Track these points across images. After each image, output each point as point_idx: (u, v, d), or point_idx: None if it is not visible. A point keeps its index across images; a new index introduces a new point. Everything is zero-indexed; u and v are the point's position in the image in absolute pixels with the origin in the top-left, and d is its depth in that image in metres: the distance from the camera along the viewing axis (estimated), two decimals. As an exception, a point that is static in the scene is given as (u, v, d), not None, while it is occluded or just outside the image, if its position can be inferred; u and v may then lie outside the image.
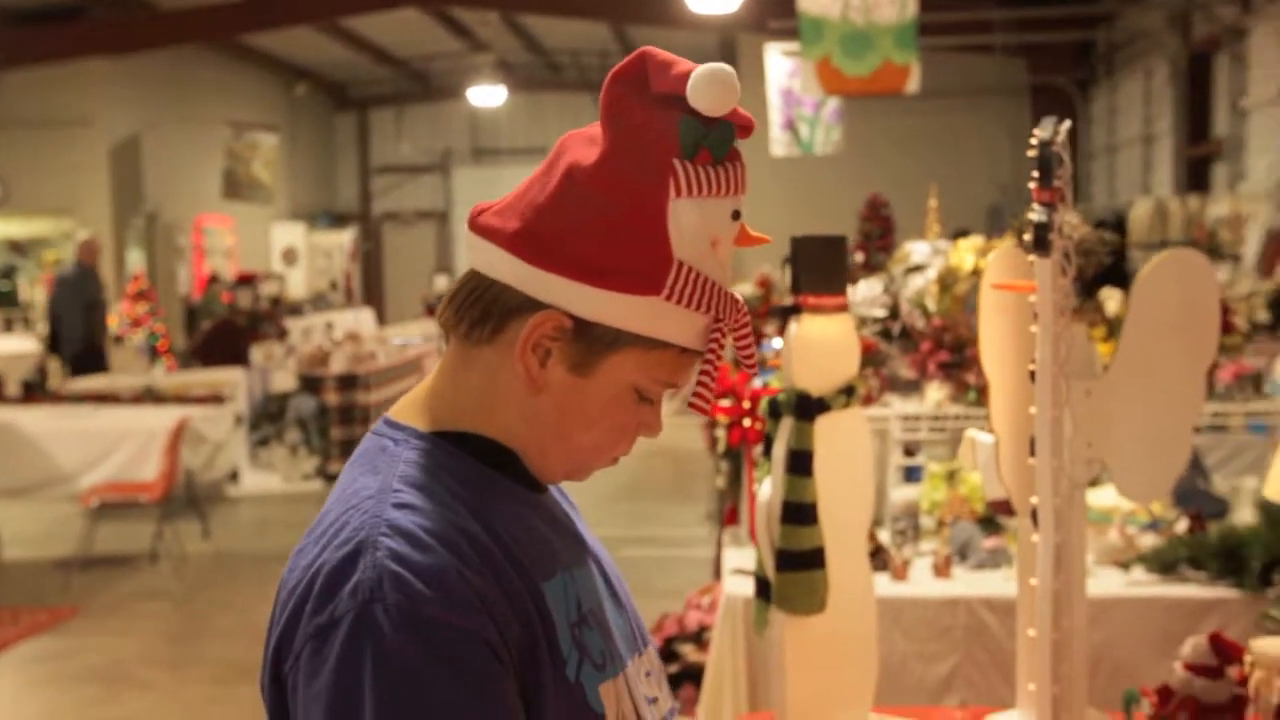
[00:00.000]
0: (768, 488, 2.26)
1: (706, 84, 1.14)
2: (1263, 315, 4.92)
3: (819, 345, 2.24)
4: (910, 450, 4.25)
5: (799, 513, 2.18)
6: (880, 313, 4.64)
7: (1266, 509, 3.47)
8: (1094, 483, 2.68)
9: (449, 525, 1.13)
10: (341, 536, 1.12)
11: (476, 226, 1.21)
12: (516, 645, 1.13)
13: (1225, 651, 2.20)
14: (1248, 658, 1.81)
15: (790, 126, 11.03)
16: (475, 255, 1.21)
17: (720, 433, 4.05)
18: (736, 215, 1.20)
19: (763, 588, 2.28)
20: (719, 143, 1.17)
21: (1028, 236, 1.94)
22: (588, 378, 1.19)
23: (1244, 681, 2.02)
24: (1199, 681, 2.19)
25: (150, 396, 9.34)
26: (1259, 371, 4.29)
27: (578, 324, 1.17)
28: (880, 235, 6.90)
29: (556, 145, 1.22)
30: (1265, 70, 9.04)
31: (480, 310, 1.20)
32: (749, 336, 1.23)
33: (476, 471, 1.21)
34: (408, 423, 1.23)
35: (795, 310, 2.27)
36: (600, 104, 1.19)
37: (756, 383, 3.80)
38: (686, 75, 1.15)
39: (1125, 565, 3.61)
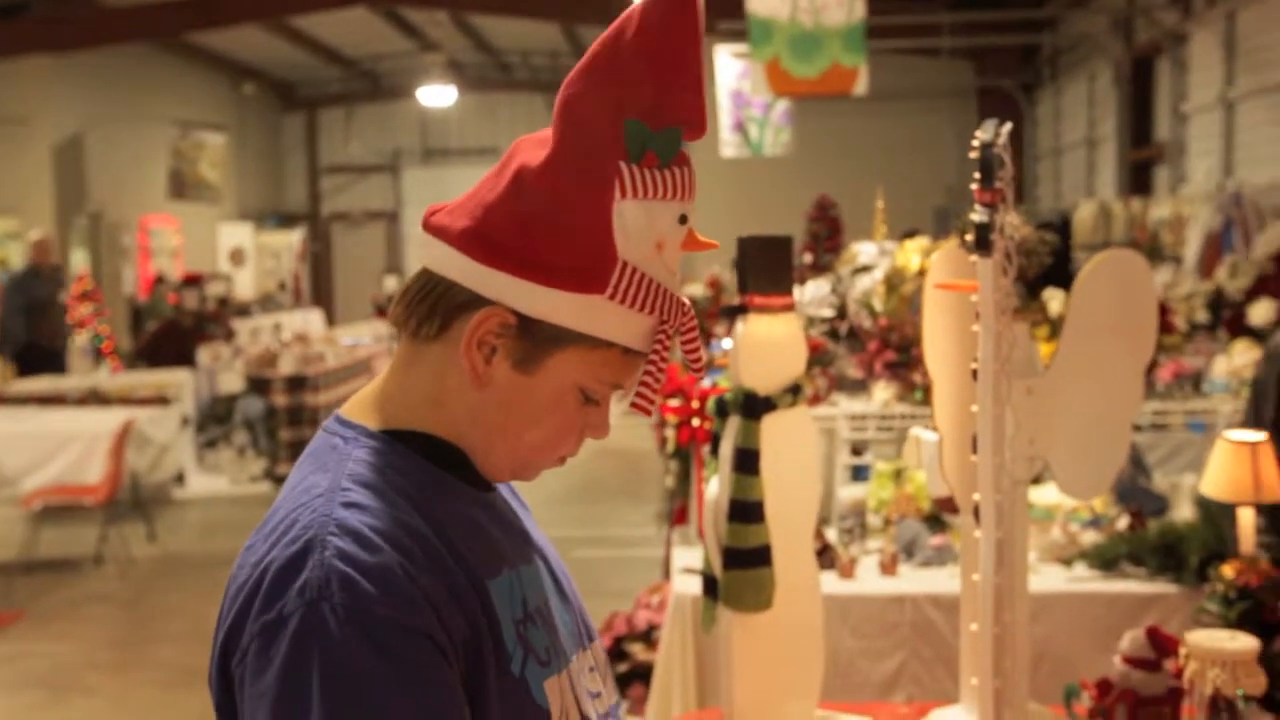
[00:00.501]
0: (715, 486, 2.27)
1: None
2: (1202, 316, 5.00)
3: (765, 345, 2.26)
4: (857, 449, 4.29)
5: (746, 511, 2.20)
6: (828, 313, 4.67)
7: (1204, 505, 3.53)
8: (1037, 480, 2.72)
9: (396, 524, 1.14)
10: (290, 534, 1.13)
11: (429, 225, 1.23)
12: (462, 642, 1.14)
13: (1162, 645, 2.25)
14: (1183, 650, 1.84)
15: (740, 128, 11.08)
16: (427, 253, 1.23)
17: (669, 432, 4.06)
18: (684, 220, 1.21)
19: (710, 585, 2.30)
20: (665, 146, 1.18)
21: (970, 237, 1.96)
22: (532, 375, 1.20)
23: (1180, 674, 2.06)
24: (1137, 674, 2.23)
25: (95, 398, 9.22)
26: (1198, 371, 4.36)
27: (522, 321, 1.18)
28: (828, 236, 6.93)
29: (510, 148, 1.24)
30: (1205, 75, 9.19)
31: (428, 307, 1.21)
32: (696, 339, 1.25)
33: (425, 470, 1.22)
34: (358, 421, 1.25)
35: (742, 310, 2.28)
36: (553, 108, 1.20)
37: (705, 382, 3.82)
38: None
39: (1067, 562, 3.67)
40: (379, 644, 1.08)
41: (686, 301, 1.24)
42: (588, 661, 1.34)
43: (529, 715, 1.19)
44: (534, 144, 1.21)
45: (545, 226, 1.17)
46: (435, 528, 1.17)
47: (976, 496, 2.02)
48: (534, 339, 1.19)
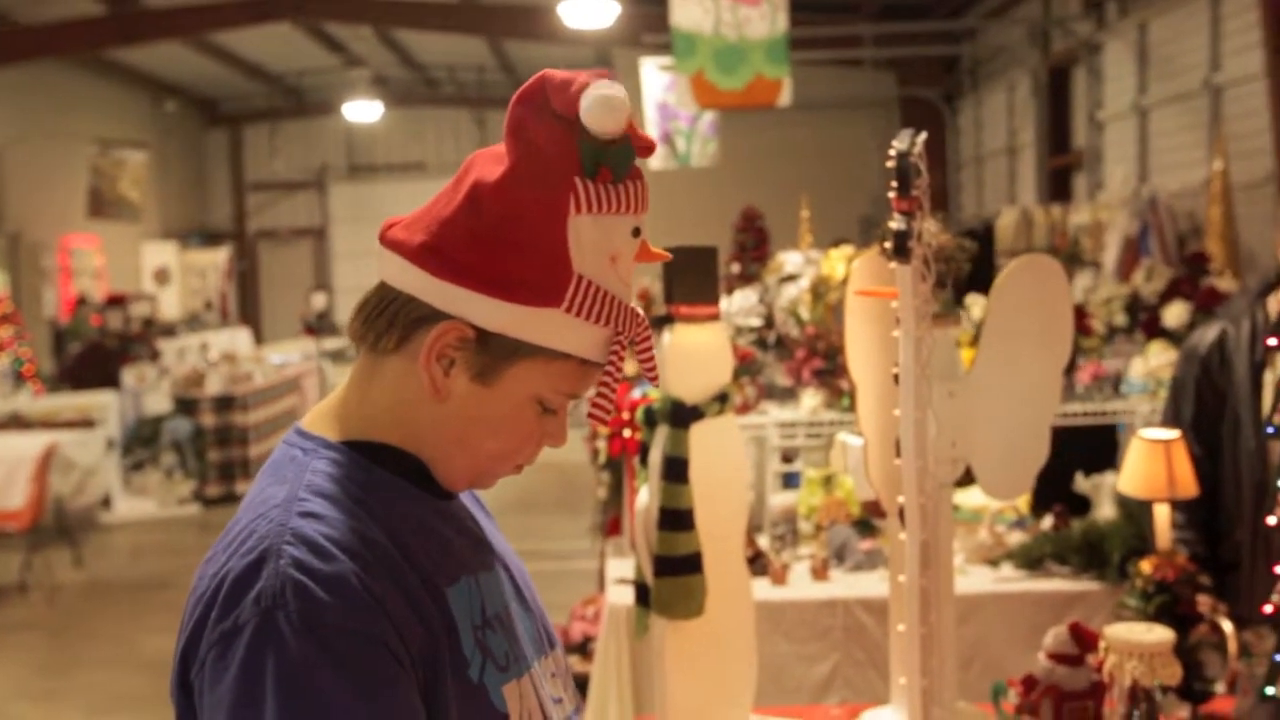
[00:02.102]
0: (645, 495, 2.29)
1: (595, 106, 1.18)
2: (1120, 319, 5.11)
3: (692, 354, 2.28)
4: (788, 457, 4.33)
5: (676, 519, 2.22)
6: (756, 322, 4.71)
7: (1125, 504, 3.62)
8: (966, 483, 2.76)
9: (353, 533, 1.16)
10: (248, 545, 1.15)
11: (385, 240, 1.25)
12: (419, 649, 1.16)
13: (1084, 640, 2.30)
14: (1102, 644, 1.89)
15: (667, 140, 11.13)
16: (384, 267, 1.25)
17: (601, 444, 4.08)
18: (637, 232, 1.24)
19: (642, 593, 2.31)
20: (619, 162, 1.21)
21: (889, 244, 2.00)
22: (491, 387, 1.22)
23: (1102, 668, 2.11)
24: (1060, 670, 2.28)
25: (16, 423, 9.05)
26: (1118, 373, 4.45)
27: (480, 334, 1.21)
28: (755, 246, 6.99)
29: (465, 162, 1.26)
30: (1119, 84, 9.39)
31: (387, 321, 1.23)
32: (650, 349, 1.28)
33: (384, 480, 1.24)
34: (317, 432, 1.27)
35: (668, 320, 2.31)
36: (505, 125, 1.22)
37: (635, 393, 3.84)
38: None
39: (994, 563, 3.73)
40: (334, 652, 1.09)
41: (640, 312, 1.26)
42: (549, 668, 1.36)
43: None
44: (489, 159, 1.23)
45: (502, 242, 1.19)
46: (393, 536, 1.19)
47: (901, 499, 2.05)
48: (492, 352, 1.21)
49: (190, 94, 18.45)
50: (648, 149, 1.23)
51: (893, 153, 1.99)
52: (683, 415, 2.25)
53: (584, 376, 1.25)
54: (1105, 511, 3.93)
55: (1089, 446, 4.14)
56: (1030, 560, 3.66)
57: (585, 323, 1.21)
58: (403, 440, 1.25)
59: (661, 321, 2.33)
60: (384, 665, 1.12)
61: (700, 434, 2.26)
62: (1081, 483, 4.05)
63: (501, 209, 1.19)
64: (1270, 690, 1.80)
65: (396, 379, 1.24)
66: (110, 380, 10.66)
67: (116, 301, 13.71)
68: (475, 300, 1.19)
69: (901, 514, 2.06)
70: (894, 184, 1.99)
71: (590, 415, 1.27)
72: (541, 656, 1.34)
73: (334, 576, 1.12)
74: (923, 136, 2.01)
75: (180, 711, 1.19)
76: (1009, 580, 3.64)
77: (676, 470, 2.23)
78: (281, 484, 1.21)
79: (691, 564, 2.23)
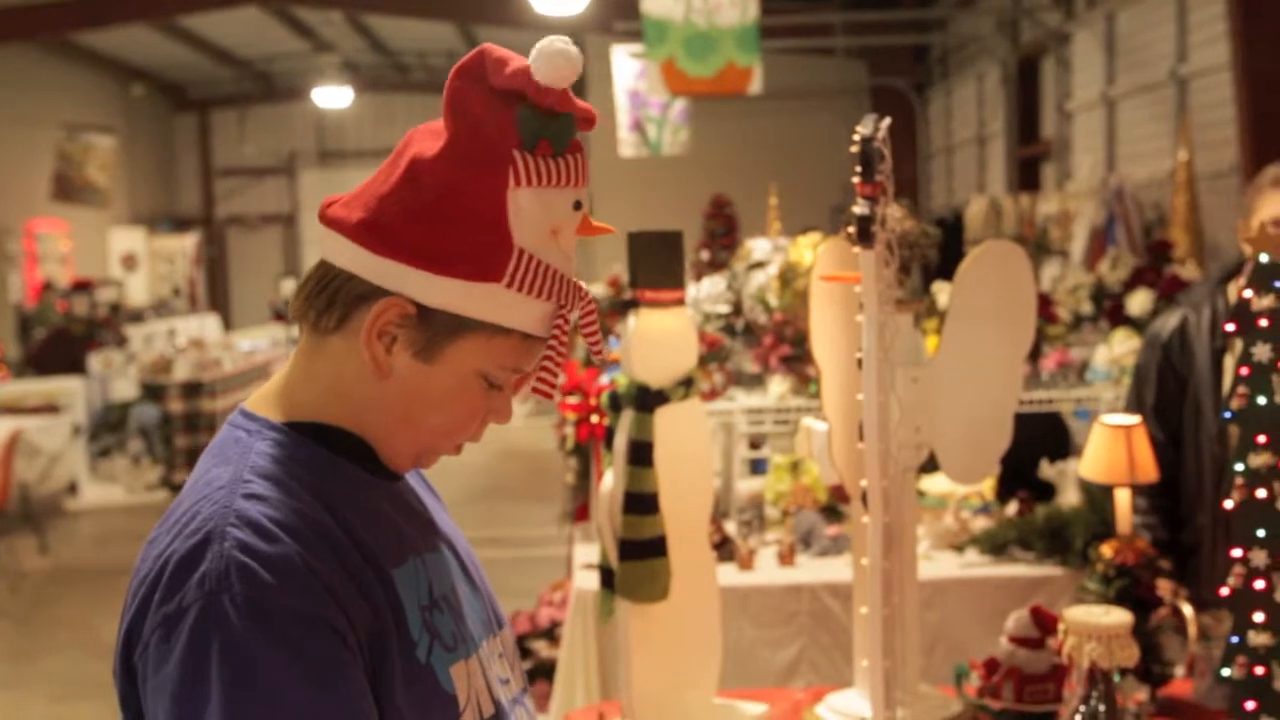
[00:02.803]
0: (610, 479, 2.29)
1: (546, 58, 1.17)
2: (1087, 307, 5.13)
3: (657, 338, 2.28)
4: (755, 443, 4.34)
5: (640, 502, 2.22)
6: (724, 309, 4.72)
7: (1088, 490, 3.65)
8: (931, 469, 2.78)
9: (297, 515, 1.15)
10: (191, 526, 1.13)
11: (325, 217, 1.24)
12: (365, 630, 1.15)
13: (1045, 623, 2.32)
14: (1062, 626, 1.91)
15: (638, 127, 11.11)
16: (324, 246, 1.24)
17: (569, 430, 4.08)
18: (578, 205, 1.23)
19: (607, 577, 2.31)
20: (558, 135, 1.20)
21: (852, 229, 2.00)
22: (433, 364, 1.21)
23: (1062, 651, 2.12)
24: (1022, 653, 2.30)
25: (-20, 408, 8.96)
26: (1083, 360, 4.48)
27: (421, 311, 1.19)
28: (724, 233, 7.02)
29: (403, 139, 1.25)
30: (1087, 74, 9.44)
31: (327, 299, 1.22)
32: (595, 323, 1.27)
33: (328, 461, 1.23)
34: (261, 414, 1.26)
35: (634, 305, 2.31)
36: (443, 98, 1.21)
37: (603, 379, 3.84)
38: (524, 70, 1.18)
39: (959, 548, 3.75)
40: (278, 634, 1.08)
41: (584, 286, 1.26)
42: (497, 648, 1.36)
43: (435, 701, 1.21)
44: (427, 135, 1.22)
45: (441, 217, 1.18)
46: (338, 518, 1.18)
47: (865, 483, 2.06)
48: (434, 328, 1.20)
49: (158, 78, 18.28)
50: (588, 121, 1.23)
51: (857, 137, 1.99)
52: (647, 399, 2.25)
53: (527, 351, 1.24)
54: (1069, 498, 3.96)
55: (1051, 432, 4.18)
56: (994, 546, 3.69)
57: (527, 297, 1.20)
58: (346, 419, 1.25)
59: (627, 306, 2.33)
60: (330, 647, 1.11)
61: (665, 418, 2.26)
62: (1046, 469, 4.08)
63: (440, 183, 1.18)
64: (1227, 671, 1.82)
65: (338, 358, 1.23)
66: (76, 366, 10.58)
67: (83, 287, 13.59)
68: (415, 276, 1.18)
69: (865, 497, 2.07)
70: (858, 169, 2.00)
71: (535, 390, 1.26)
72: (489, 637, 1.34)
73: (278, 558, 1.11)
74: (887, 121, 2.01)
75: (123, 694, 1.18)
76: (973, 565, 3.67)
77: (641, 454, 2.23)
78: (225, 465, 1.20)
79: (656, 547, 2.23)
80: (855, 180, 2.00)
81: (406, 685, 1.18)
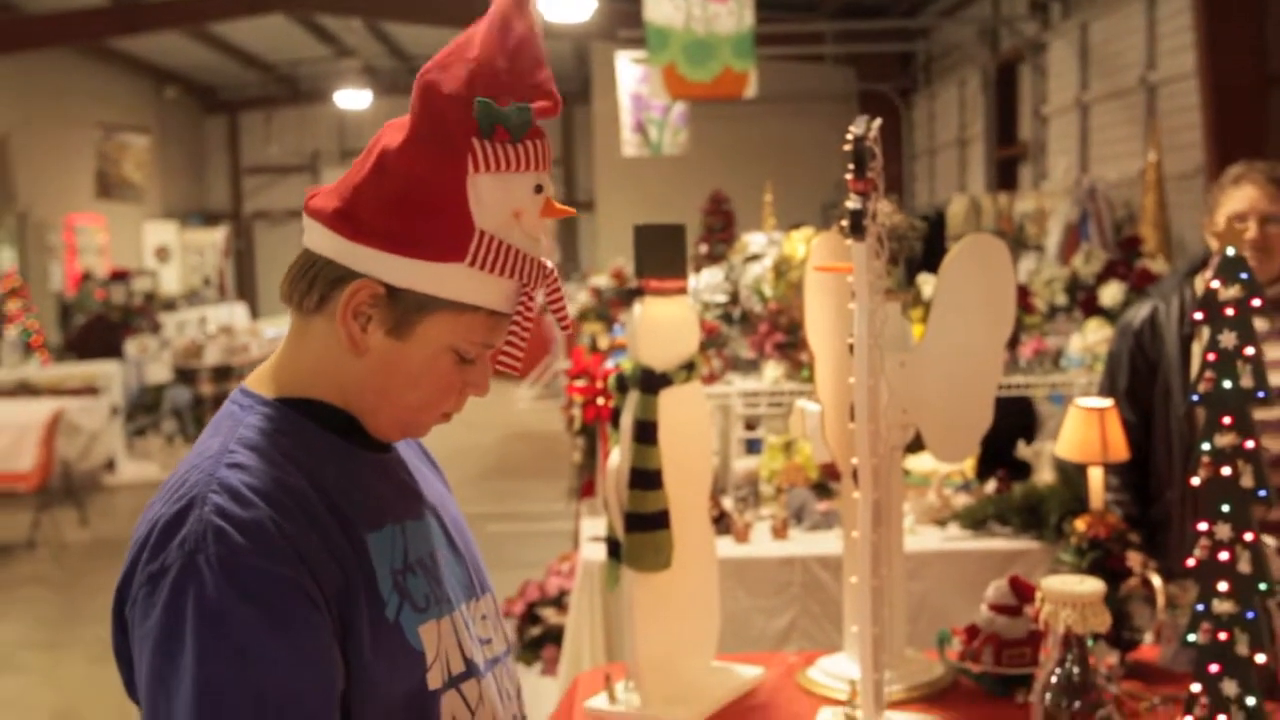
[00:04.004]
0: (617, 456, 2.29)
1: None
2: (1061, 299, 5.13)
3: (661, 324, 2.28)
4: (751, 424, 4.34)
5: (645, 478, 2.22)
6: (721, 298, 4.72)
7: (1063, 469, 3.65)
8: (916, 449, 2.78)
9: (274, 482, 1.18)
10: (179, 493, 1.17)
11: (308, 208, 1.26)
12: (333, 589, 1.17)
13: (1022, 592, 2.32)
14: (1039, 594, 1.91)
15: (640, 129, 11.10)
16: (307, 234, 1.26)
17: (576, 411, 4.08)
18: (540, 188, 1.24)
19: (613, 548, 2.32)
20: (514, 122, 1.21)
21: (845, 223, 2.00)
22: (406, 340, 1.23)
23: (1038, 617, 2.13)
24: (1000, 619, 2.30)
25: (25, 390, 8.98)
26: (1059, 348, 4.48)
27: (390, 291, 1.21)
28: (722, 228, 7.02)
29: (377, 133, 1.26)
30: (1062, 80, 9.42)
31: (308, 283, 1.25)
32: (561, 299, 1.28)
33: (312, 433, 1.25)
34: (256, 390, 1.28)
35: (639, 293, 2.31)
36: (412, 94, 1.23)
37: (609, 364, 3.84)
38: (481, 62, 1.21)
39: (942, 523, 3.76)
40: (248, 590, 1.11)
41: (549, 264, 1.27)
42: (479, 611, 1.37)
43: (402, 656, 1.22)
44: (396, 128, 1.24)
45: (405, 202, 1.20)
46: (317, 486, 1.21)
47: (855, 461, 2.06)
48: (403, 307, 1.22)
49: (190, 82, 18.27)
50: (547, 110, 1.24)
51: (850, 137, 1.99)
52: (652, 381, 2.25)
53: (494, 327, 1.25)
54: (1044, 476, 3.96)
55: (1022, 415, 4.19)
56: (975, 521, 3.69)
57: (490, 275, 1.22)
58: (331, 395, 1.27)
59: (632, 294, 2.33)
60: (296, 603, 1.13)
61: (669, 400, 2.26)
62: (1023, 449, 4.08)
63: (404, 172, 1.20)
64: (1192, 637, 1.82)
65: (321, 337, 1.25)
66: (113, 351, 10.58)
67: (120, 277, 13.60)
68: (383, 259, 1.20)
69: (855, 474, 2.07)
70: (850, 166, 1.99)
71: (502, 364, 1.28)
72: (471, 600, 1.35)
73: (252, 522, 1.14)
74: (878, 122, 2.01)
75: (117, 645, 1.21)
76: (955, 539, 3.67)
77: (646, 433, 2.23)
78: (217, 437, 1.23)
79: (660, 520, 2.23)
80: (848, 177, 2.00)
81: (374, 641, 1.20)
